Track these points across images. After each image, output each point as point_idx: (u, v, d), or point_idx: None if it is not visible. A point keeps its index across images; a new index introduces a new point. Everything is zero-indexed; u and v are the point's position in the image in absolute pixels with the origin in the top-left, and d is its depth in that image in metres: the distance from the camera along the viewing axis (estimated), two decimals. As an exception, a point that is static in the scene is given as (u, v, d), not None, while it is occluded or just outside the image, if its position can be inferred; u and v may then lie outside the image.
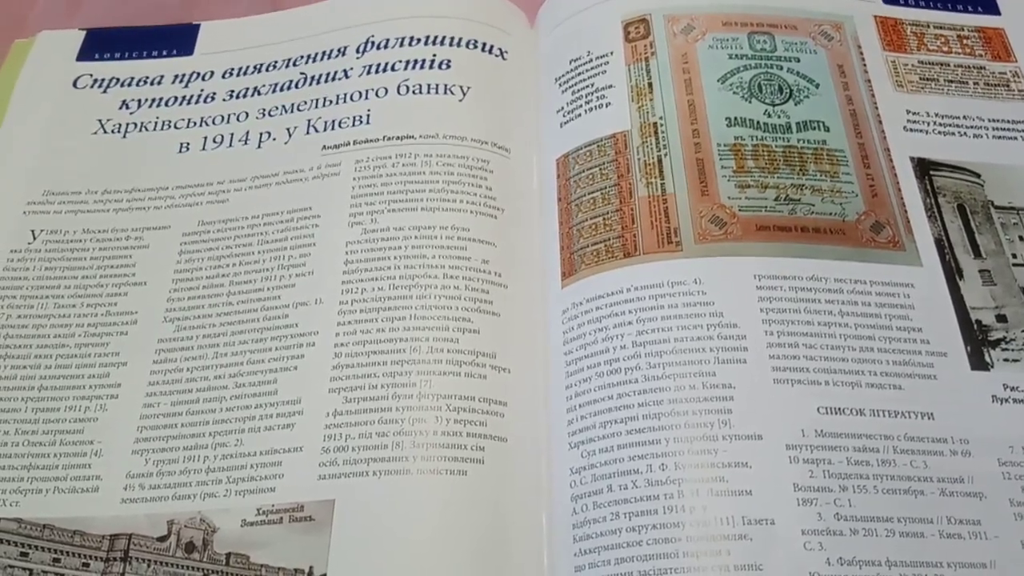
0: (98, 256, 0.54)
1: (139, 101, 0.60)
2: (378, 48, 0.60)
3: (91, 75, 0.62)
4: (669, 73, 0.55)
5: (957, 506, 0.42)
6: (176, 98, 0.60)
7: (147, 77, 0.61)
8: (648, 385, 0.45)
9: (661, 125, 0.53)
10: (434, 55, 0.58)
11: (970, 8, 0.60)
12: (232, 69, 0.61)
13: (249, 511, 0.44)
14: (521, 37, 0.60)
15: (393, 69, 0.58)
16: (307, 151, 0.56)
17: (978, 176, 0.52)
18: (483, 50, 0.59)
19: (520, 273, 0.51)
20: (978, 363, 0.46)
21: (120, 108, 0.60)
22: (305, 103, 0.59)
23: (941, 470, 0.43)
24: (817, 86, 0.54)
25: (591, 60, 0.57)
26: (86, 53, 0.63)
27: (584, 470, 0.44)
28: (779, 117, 0.53)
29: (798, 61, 0.55)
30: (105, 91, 0.61)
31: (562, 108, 0.56)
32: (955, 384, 0.45)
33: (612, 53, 0.56)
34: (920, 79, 0.56)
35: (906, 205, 0.51)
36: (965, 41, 0.58)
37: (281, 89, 0.60)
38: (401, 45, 0.59)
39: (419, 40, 0.59)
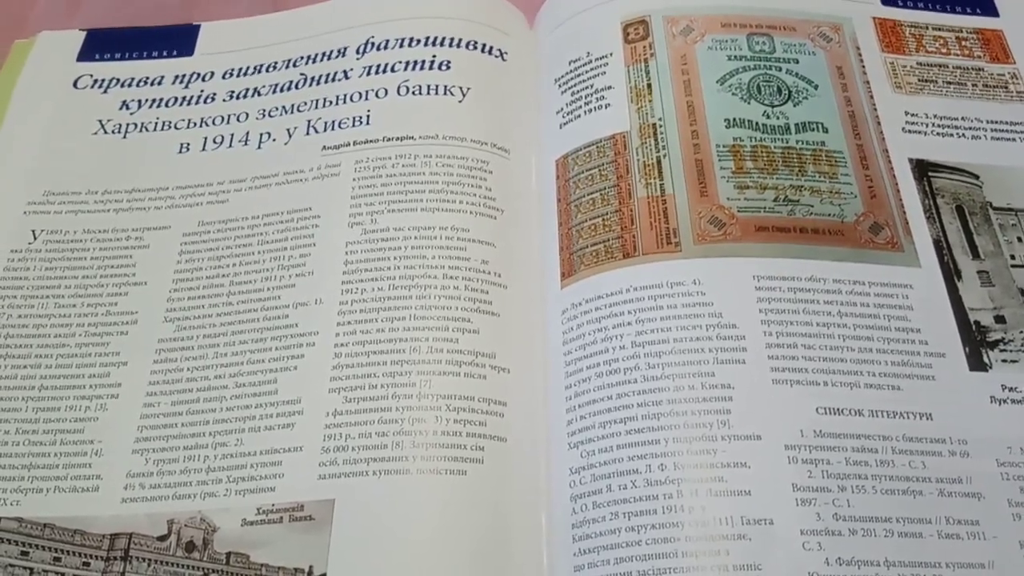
0: (98, 256, 0.54)
1: (139, 101, 0.60)
2: (378, 49, 0.60)
3: (91, 75, 0.62)
4: (668, 74, 0.55)
5: (956, 506, 0.42)
6: (176, 98, 0.61)
7: (147, 77, 0.62)
8: (647, 385, 0.45)
9: (660, 126, 0.53)
10: (434, 56, 0.58)
11: (969, 10, 0.60)
12: (232, 70, 0.61)
13: (249, 510, 0.44)
14: (521, 38, 0.61)
15: (393, 70, 0.58)
16: (307, 152, 0.56)
17: (976, 177, 0.52)
18: (483, 51, 0.59)
19: (519, 273, 0.51)
20: (976, 364, 0.46)
21: (120, 108, 0.60)
22: (305, 104, 0.59)
23: (940, 470, 0.43)
24: (816, 87, 0.55)
25: (590, 61, 0.57)
26: (86, 53, 0.63)
27: (583, 470, 0.44)
28: (778, 118, 0.53)
29: (797, 62, 0.55)
30: (105, 91, 0.61)
31: (561, 109, 0.56)
32: (953, 385, 0.45)
33: (611, 54, 0.56)
34: (919, 80, 0.56)
35: (904, 206, 0.51)
36: (964, 43, 0.59)
37: (281, 90, 0.60)
38: (401, 46, 0.59)
39: (419, 41, 0.59)
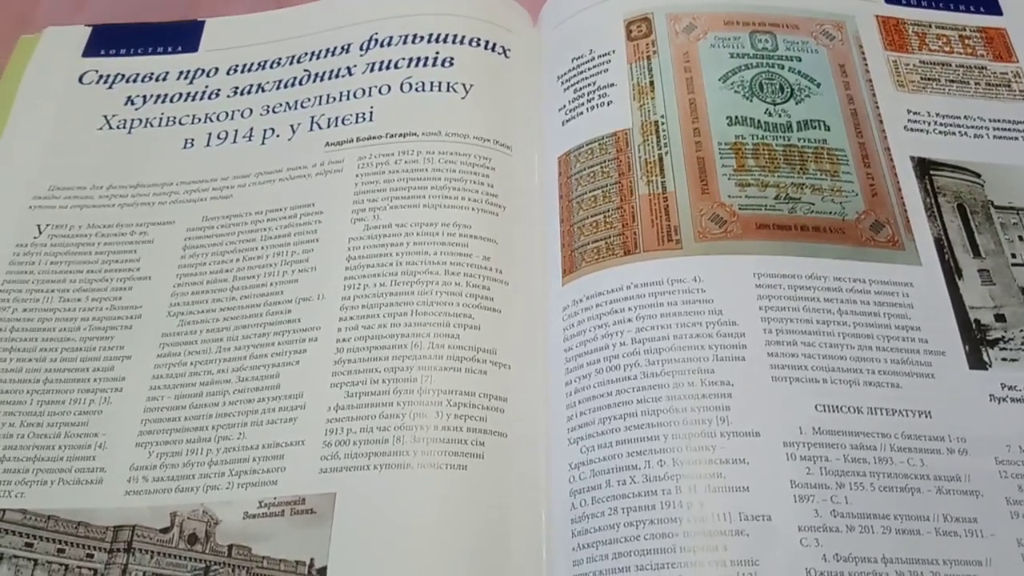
0: (103, 251, 0.54)
1: (144, 97, 0.61)
2: (381, 46, 0.60)
3: (96, 71, 0.62)
4: (671, 72, 0.55)
5: (953, 504, 0.42)
6: (181, 94, 0.61)
7: (152, 73, 0.62)
8: (647, 382, 0.45)
9: (662, 123, 0.53)
10: (437, 53, 0.58)
11: (972, 8, 0.60)
12: (236, 66, 0.62)
13: (251, 503, 0.45)
14: (524, 35, 0.61)
15: (396, 67, 0.58)
16: (311, 148, 0.56)
17: (978, 176, 0.53)
18: (486, 48, 0.59)
19: (521, 270, 0.52)
20: (976, 362, 0.46)
21: (125, 104, 0.60)
22: (309, 100, 0.59)
23: (938, 468, 0.43)
24: (818, 85, 0.55)
25: (593, 58, 0.57)
26: (92, 49, 0.63)
27: (583, 465, 0.44)
28: (780, 116, 0.53)
29: (799, 60, 0.56)
30: (110, 87, 0.61)
31: (564, 106, 0.56)
32: (953, 383, 0.46)
33: (614, 51, 0.56)
34: (921, 79, 0.56)
35: (906, 204, 0.51)
36: (967, 41, 0.59)
37: (285, 86, 0.60)
38: (404, 43, 0.59)
39: (422, 38, 0.59)
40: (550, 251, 0.52)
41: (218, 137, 0.58)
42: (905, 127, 0.54)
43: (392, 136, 0.56)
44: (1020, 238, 0.51)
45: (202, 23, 0.64)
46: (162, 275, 0.53)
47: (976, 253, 0.50)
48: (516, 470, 0.46)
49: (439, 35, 0.59)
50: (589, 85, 0.56)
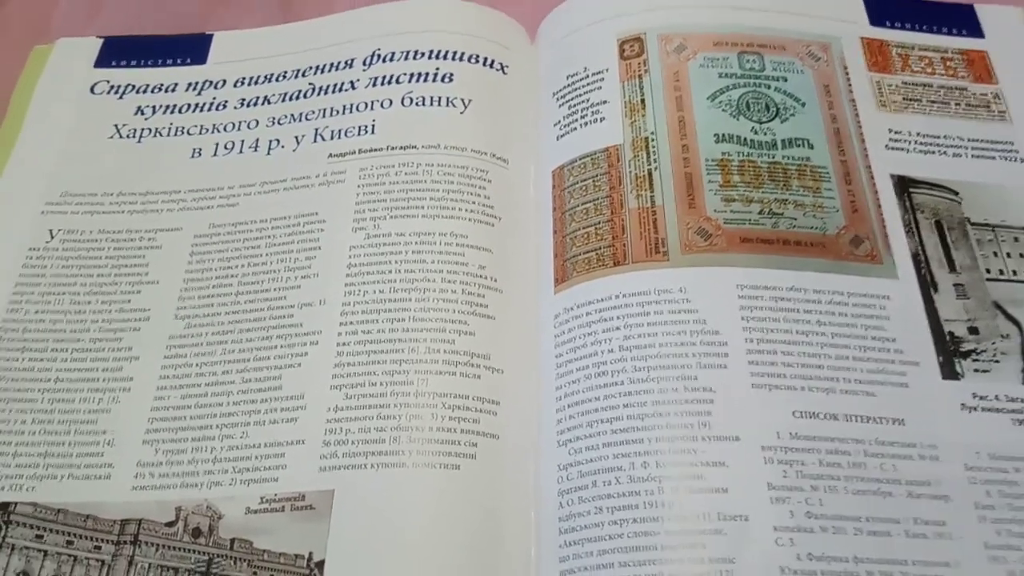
0: (113, 255, 0.55)
1: (154, 107, 0.61)
2: (384, 61, 0.60)
3: (108, 81, 0.63)
4: (661, 90, 0.56)
5: (923, 508, 0.43)
6: (189, 105, 0.61)
7: (162, 84, 0.62)
8: (633, 387, 0.46)
9: (652, 140, 0.54)
10: (437, 68, 0.59)
11: (955, 31, 0.61)
12: (244, 78, 0.62)
13: (253, 499, 0.46)
14: (522, 52, 0.61)
15: (398, 81, 0.59)
16: (314, 159, 0.57)
17: (956, 194, 0.53)
18: (484, 64, 0.60)
19: (515, 279, 0.52)
20: (949, 373, 0.47)
21: (135, 114, 0.61)
22: (313, 112, 0.59)
23: (909, 473, 0.44)
24: (803, 105, 0.56)
25: (587, 76, 0.58)
26: (104, 60, 0.64)
27: (571, 466, 0.45)
28: (765, 134, 0.54)
29: (785, 80, 0.56)
30: (121, 97, 0.62)
31: (559, 121, 0.57)
32: (926, 392, 0.46)
33: (608, 70, 0.57)
34: (903, 99, 0.57)
35: (885, 220, 0.52)
36: (949, 63, 0.59)
37: (290, 98, 0.61)
38: (406, 58, 0.60)
39: (423, 54, 0.60)
40: (543, 261, 0.53)
41: (225, 147, 0.59)
42: (886, 146, 0.55)
43: (393, 148, 0.56)
44: (995, 254, 0.52)
45: (211, 36, 0.65)
46: (170, 279, 0.53)
47: (952, 268, 0.51)
48: (507, 471, 0.46)
49: (440, 52, 0.60)
50: (583, 102, 0.57)
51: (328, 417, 0.47)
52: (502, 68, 0.60)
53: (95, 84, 0.63)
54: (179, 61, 0.64)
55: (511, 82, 0.60)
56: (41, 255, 0.55)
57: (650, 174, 0.53)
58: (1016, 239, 0.52)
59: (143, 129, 0.60)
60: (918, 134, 0.56)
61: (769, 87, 0.56)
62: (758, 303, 0.48)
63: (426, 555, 0.44)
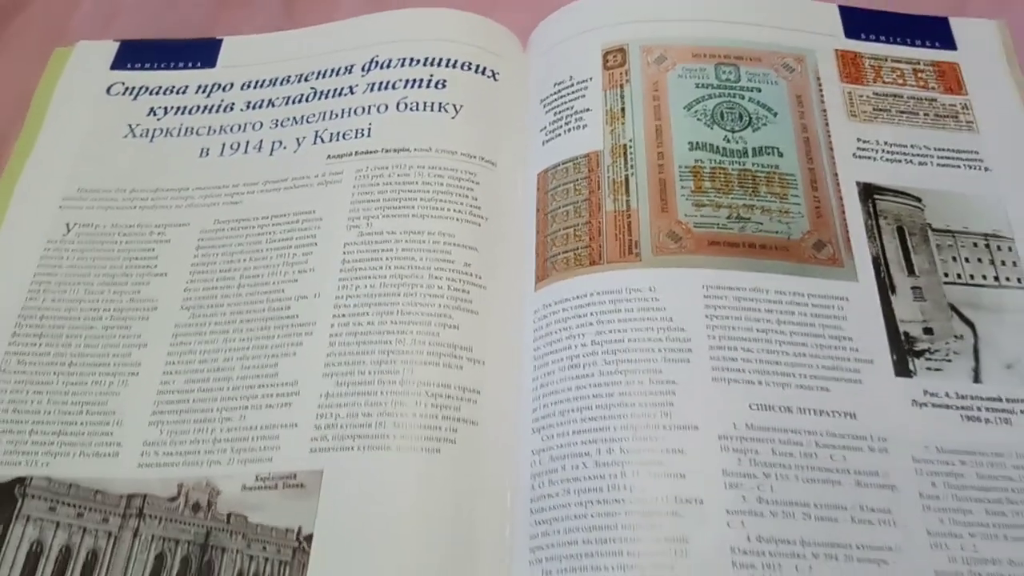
0: (125, 248, 0.56)
1: (165, 108, 0.63)
2: (381, 68, 0.62)
3: (123, 83, 0.64)
4: (641, 99, 0.58)
5: (870, 496, 0.45)
6: (199, 107, 0.63)
7: (173, 86, 0.64)
8: (602, 379, 0.48)
9: (630, 147, 0.56)
10: (431, 75, 0.61)
11: (928, 43, 0.62)
12: (250, 82, 0.64)
13: (249, 477, 0.47)
14: (513, 60, 0.63)
15: (394, 87, 0.61)
16: (313, 159, 0.59)
17: (919, 200, 0.55)
18: (477, 72, 0.61)
19: (498, 276, 0.54)
20: (902, 370, 0.49)
21: (148, 114, 0.63)
22: (313, 116, 0.61)
23: (858, 464, 0.46)
24: (775, 114, 0.57)
25: (573, 84, 0.59)
26: (119, 63, 0.65)
27: (543, 452, 0.47)
28: (737, 143, 0.56)
29: (759, 91, 0.58)
30: (135, 98, 0.64)
31: (545, 127, 0.59)
32: (878, 388, 0.48)
33: (591, 79, 0.59)
34: (873, 109, 0.59)
35: (848, 226, 0.53)
36: (920, 74, 0.61)
37: (293, 102, 0.62)
38: (402, 65, 0.62)
39: (419, 61, 0.61)
40: (526, 259, 0.54)
41: (231, 147, 0.61)
42: (854, 154, 0.56)
43: (387, 151, 0.58)
44: (954, 259, 0.53)
45: (220, 41, 0.66)
46: (177, 272, 0.55)
47: (911, 272, 0.53)
48: (485, 455, 0.48)
49: (434, 59, 0.61)
50: (568, 109, 0.59)
51: (320, 403, 0.49)
52: (493, 75, 0.62)
53: (111, 85, 0.64)
54: (190, 64, 0.65)
55: (502, 88, 0.62)
56: (58, 247, 0.57)
57: (627, 179, 0.55)
58: (976, 244, 0.54)
59: (155, 129, 0.62)
60: (886, 143, 0.57)
61: (743, 97, 0.58)
62: (722, 302, 0.50)
63: (407, 532, 0.45)
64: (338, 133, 0.60)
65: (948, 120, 0.59)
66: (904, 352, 0.50)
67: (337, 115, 0.61)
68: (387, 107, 0.61)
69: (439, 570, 0.45)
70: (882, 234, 0.54)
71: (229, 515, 0.47)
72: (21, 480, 0.49)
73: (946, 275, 0.53)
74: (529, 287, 0.54)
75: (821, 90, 0.59)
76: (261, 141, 0.61)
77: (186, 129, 0.62)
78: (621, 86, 0.59)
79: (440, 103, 0.60)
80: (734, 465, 0.45)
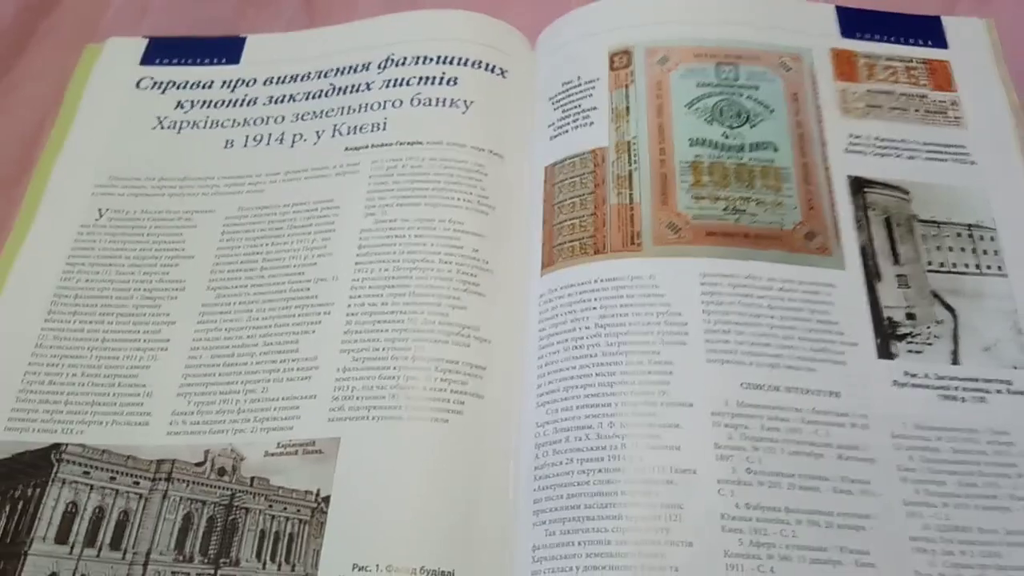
0: (154, 233, 0.58)
1: (192, 102, 0.65)
2: (396, 65, 0.64)
3: (152, 78, 0.66)
4: (644, 99, 0.59)
5: (851, 468, 0.47)
6: (224, 101, 0.65)
7: (200, 81, 0.66)
8: (604, 359, 0.50)
9: (634, 144, 0.58)
10: (444, 72, 0.63)
11: (921, 41, 0.63)
12: (272, 78, 0.66)
13: (271, 444, 0.50)
14: (522, 59, 0.64)
15: (408, 84, 0.63)
16: (332, 151, 0.61)
17: (907, 193, 0.56)
18: (486, 70, 0.63)
19: (504, 261, 0.56)
20: (885, 353, 0.51)
21: (176, 108, 0.64)
22: (332, 110, 0.63)
23: (840, 439, 0.48)
24: (772, 111, 0.59)
25: (580, 84, 0.61)
26: (148, 58, 0.67)
27: (548, 424, 0.49)
28: (735, 139, 0.57)
29: (757, 89, 0.60)
30: (163, 92, 0.65)
31: (553, 123, 0.61)
32: (861, 369, 0.50)
33: (599, 79, 0.61)
34: (866, 106, 0.60)
35: (838, 217, 0.55)
36: (912, 72, 0.62)
37: (313, 97, 0.64)
38: (416, 63, 0.64)
39: (432, 59, 0.63)
40: (532, 247, 0.56)
41: (254, 140, 0.63)
42: (846, 149, 0.58)
43: (402, 144, 0.60)
44: (937, 248, 0.55)
45: (244, 39, 0.68)
46: (203, 255, 0.57)
47: (896, 260, 0.54)
48: (489, 425, 0.50)
49: (446, 57, 0.63)
50: (575, 107, 0.60)
51: (337, 376, 0.51)
52: (502, 73, 0.64)
53: (140, 80, 0.66)
54: (216, 61, 0.67)
55: (510, 86, 0.63)
56: (91, 231, 0.59)
57: (630, 175, 0.57)
58: (959, 235, 0.55)
59: (182, 121, 0.64)
60: (877, 138, 0.59)
61: (742, 95, 0.60)
62: (717, 289, 0.52)
63: (417, 493, 0.48)
64: (355, 127, 0.62)
65: (937, 116, 0.60)
66: (887, 336, 0.52)
67: (354, 110, 0.63)
68: (402, 102, 0.62)
69: (446, 527, 0.47)
70: (870, 225, 0.55)
71: (252, 479, 0.50)
72: (57, 446, 0.50)
73: (930, 263, 0.55)
74: (535, 272, 0.56)
75: (816, 88, 0.61)
76: (283, 134, 0.63)
77: (211, 122, 0.64)
78: (626, 86, 0.60)
79: (451, 99, 0.62)
80: (725, 439, 0.48)
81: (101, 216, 0.60)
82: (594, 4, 0.65)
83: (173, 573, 0.48)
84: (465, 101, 0.62)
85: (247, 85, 0.66)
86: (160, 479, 0.50)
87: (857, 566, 0.45)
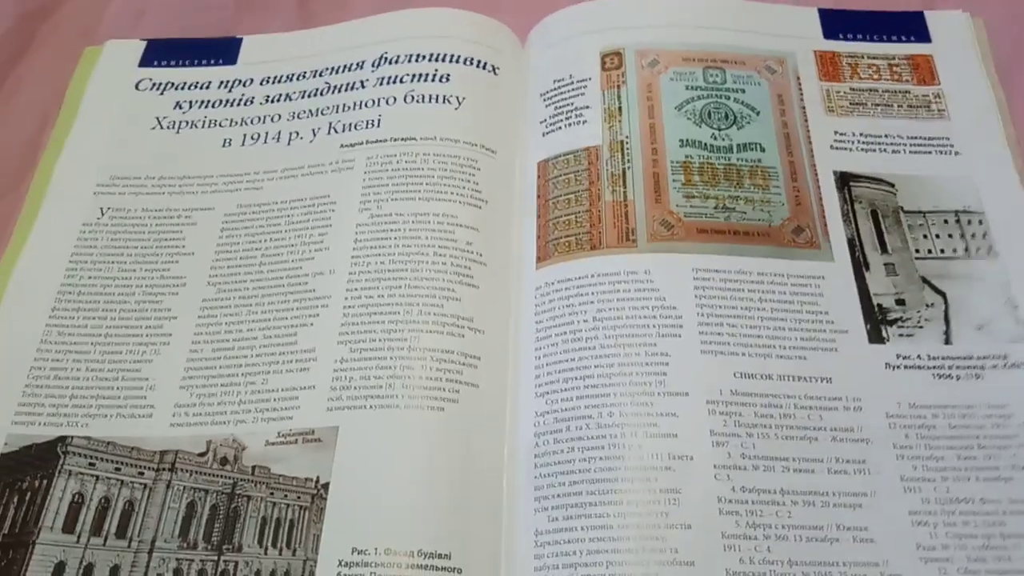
0: (155, 230, 0.59)
1: (190, 102, 0.65)
2: (390, 63, 0.65)
3: (151, 79, 0.67)
4: (636, 100, 0.61)
5: (845, 449, 0.48)
6: (221, 101, 0.65)
7: (197, 82, 0.67)
8: (603, 351, 0.51)
9: (627, 143, 0.59)
10: (436, 70, 0.64)
11: (904, 37, 0.65)
12: (268, 77, 0.66)
13: (271, 434, 0.50)
14: (512, 56, 0.65)
15: (401, 81, 0.63)
16: (328, 148, 0.61)
17: (892, 186, 0.58)
18: (478, 67, 0.64)
19: (497, 254, 0.57)
20: (876, 338, 0.52)
21: (174, 108, 0.65)
22: (328, 108, 0.64)
23: (834, 422, 0.49)
24: (758, 113, 0.60)
25: (572, 83, 0.62)
26: (147, 60, 0.68)
27: (547, 414, 0.50)
28: (723, 140, 0.59)
29: (743, 92, 0.61)
30: (162, 93, 0.66)
31: (545, 120, 0.62)
32: (853, 355, 0.51)
33: (591, 79, 0.62)
34: (850, 104, 0.61)
35: (825, 212, 0.56)
36: (895, 68, 0.63)
37: (308, 96, 0.65)
38: (409, 61, 0.64)
39: (424, 57, 0.64)
40: (527, 240, 0.57)
41: (251, 138, 0.63)
42: (831, 146, 0.59)
43: (396, 140, 0.61)
44: (924, 236, 0.56)
45: (240, 40, 0.69)
46: (203, 251, 0.58)
47: (884, 250, 0.55)
48: (484, 413, 0.51)
49: (439, 55, 0.64)
50: (568, 105, 0.62)
51: (335, 367, 0.52)
52: (494, 69, 0.64)
53: (139, 81, 0.67)
54: (213, 62, 0.68)
55: (501, 82, 0.64)
56: (93, 229, 0.59)
57: (624, 173, 0.58)
58: (946, 221, 0.57)
59: (181, 121, 0.65)
60: (861, 134, 0.60)
61: (729, 98, 0.61)
62: (709, 283, 0.54)
63: (414, 479, 0.48)
64: (350, 124, 0.63)
65: (921, 110, 0.61)
66: (877, 322, 0.53)
67: (349, 107, 0.64)
68: (395, 99, 0.63)
69: (442, 512, 0.48)
70: (857, 217, 0.57)
71: (254, 467, 0.50)
72: (63, 439, 0.51)
73: (918, 251, 0.56)
74: (530, 266, 0.56)
75: (801, 89, 0.62)
76: (279, 132, 0.64)
77: (210, 121, 0.65)
78: (618, 87, 0.62)
79: (444, 95, 0.63)
80: (720, 426, 0.49)
81: (103, 215, 0.60)
82: (585, 4, 0.66)
83: (178, 560, 0.50)
84: (457, 97, 0.63)
85: (244, 85, 0.67)
86: (164, 469, 0.51)
87: (856, 542, 0.46)
